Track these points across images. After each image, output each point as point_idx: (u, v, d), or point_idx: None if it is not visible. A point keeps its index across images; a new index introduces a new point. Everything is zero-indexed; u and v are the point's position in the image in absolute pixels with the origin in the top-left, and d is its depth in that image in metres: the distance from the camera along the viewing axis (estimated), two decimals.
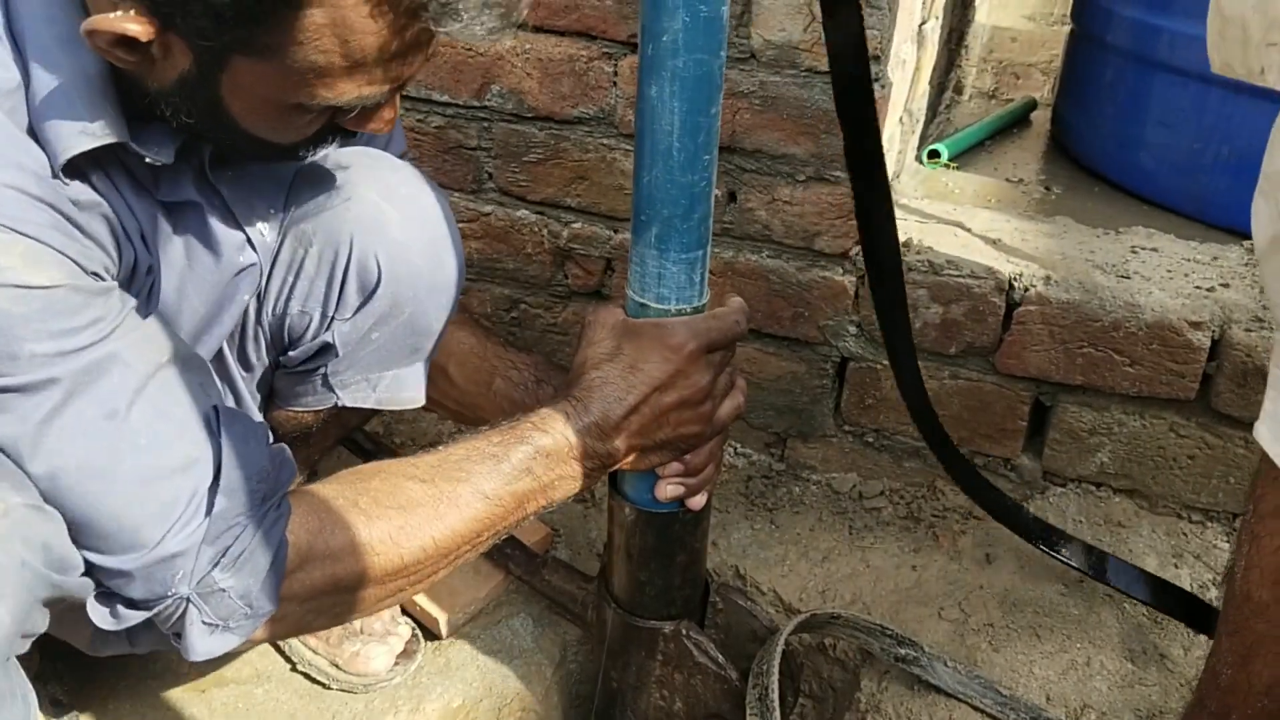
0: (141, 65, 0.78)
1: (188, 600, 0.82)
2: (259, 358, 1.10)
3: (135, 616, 0.82)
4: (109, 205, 0.85)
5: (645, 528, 1.06)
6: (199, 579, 0.81)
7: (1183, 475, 1.44)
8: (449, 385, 1.17)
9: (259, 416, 0.97)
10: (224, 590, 0.82)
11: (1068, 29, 1.93)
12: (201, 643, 0.84)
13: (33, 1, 0.78)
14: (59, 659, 1.23)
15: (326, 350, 1.08)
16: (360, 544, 0.86)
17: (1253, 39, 0.70)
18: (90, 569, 0.80)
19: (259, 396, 1.14)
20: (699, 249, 0.94)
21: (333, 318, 1.06)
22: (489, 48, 1.48)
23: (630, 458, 0.97)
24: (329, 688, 1.25)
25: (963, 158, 1.83)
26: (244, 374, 1.11)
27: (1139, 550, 1.42)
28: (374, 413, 1.12)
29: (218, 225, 0.96)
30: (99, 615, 0.82)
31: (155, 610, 0.82)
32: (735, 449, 1.62)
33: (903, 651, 1.23)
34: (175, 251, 0.95)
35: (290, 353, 1.09)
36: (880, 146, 1.06)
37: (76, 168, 0.81)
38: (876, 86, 1.34)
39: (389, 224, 1.04)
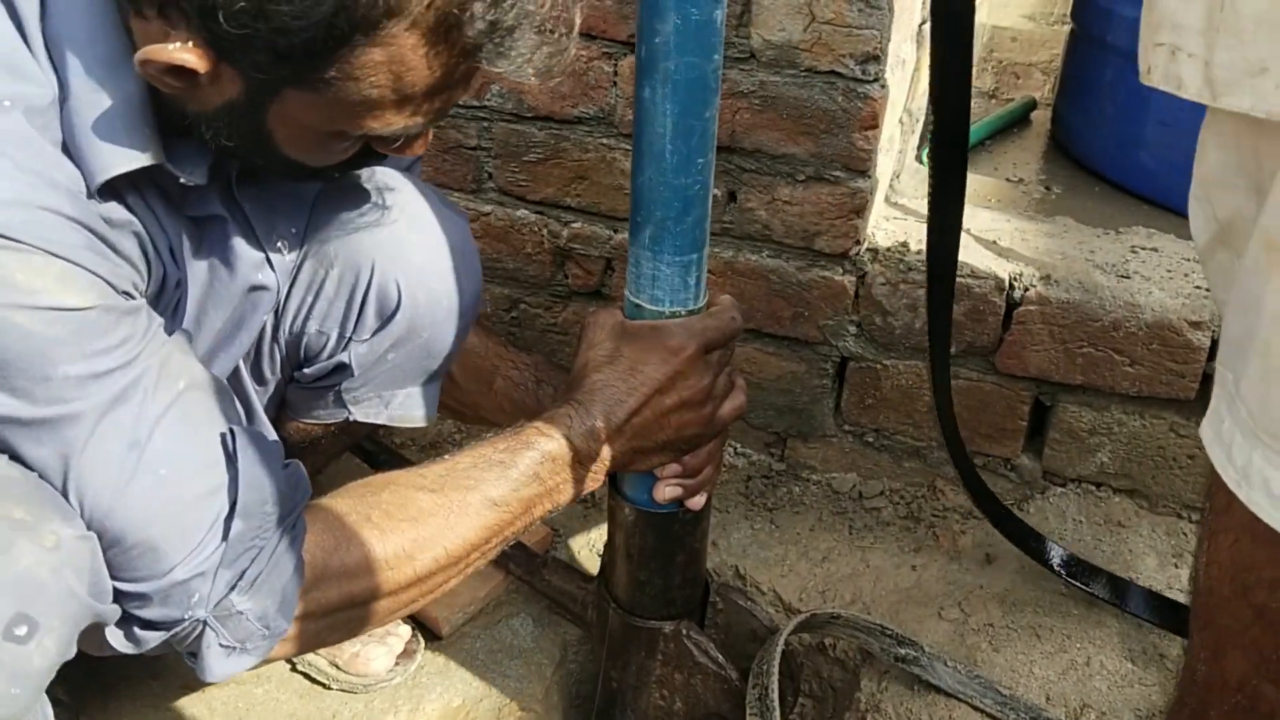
0: (187, 91, 0.78)
1: (204, 624, 0.82)
2: (273, 373, 1.11)
3: (153, 639, 0.83)
4: (140, 223, 0.86)
5: (645, 528, 1.06)
6: (216, 602, 0.82)
7: (1183, 475, 1.44)
8: (450, 384, 1.18)
9: (270, 430, 0.98)
10: (241, 613, 0.82)
11: (1068, 29, 1.93)
12: (219, 665, 0.84)
13: (74, 21, 0.78)
14: None
15: (342, 369, 1.08)
16: (375, 560, 0.87)
17: (1141, 38, 0.71)
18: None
19: (272, 409, 1.15)
20: (693, 252, 0.94)
21: (350, 338, 1.06)
22: None
23: (632, 460, 0.98)
24: (329, 688, 1.25)
25: None
26: (257, 388, 1.11)
27: (1139, 550, 1.42)
28: (381, 425, 1.13)
29: (239, 242, 0.96)
30: (116, 638, 0.83)
31: (173, 633, 0.82)
32: (735, 449, 1.62)
33: (903, 651, 1.23)
34: (199, 266, 0.96)
35: (305, 370, 1.10)
36: (967, 133, 1.04)
37: (112, 187, 0.81)
38: (876, 87, 1.34)
39: (411, 249, 1.05)
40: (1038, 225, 1.54)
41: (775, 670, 1.08)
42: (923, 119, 1.82)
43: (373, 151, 0.90)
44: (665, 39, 0.84)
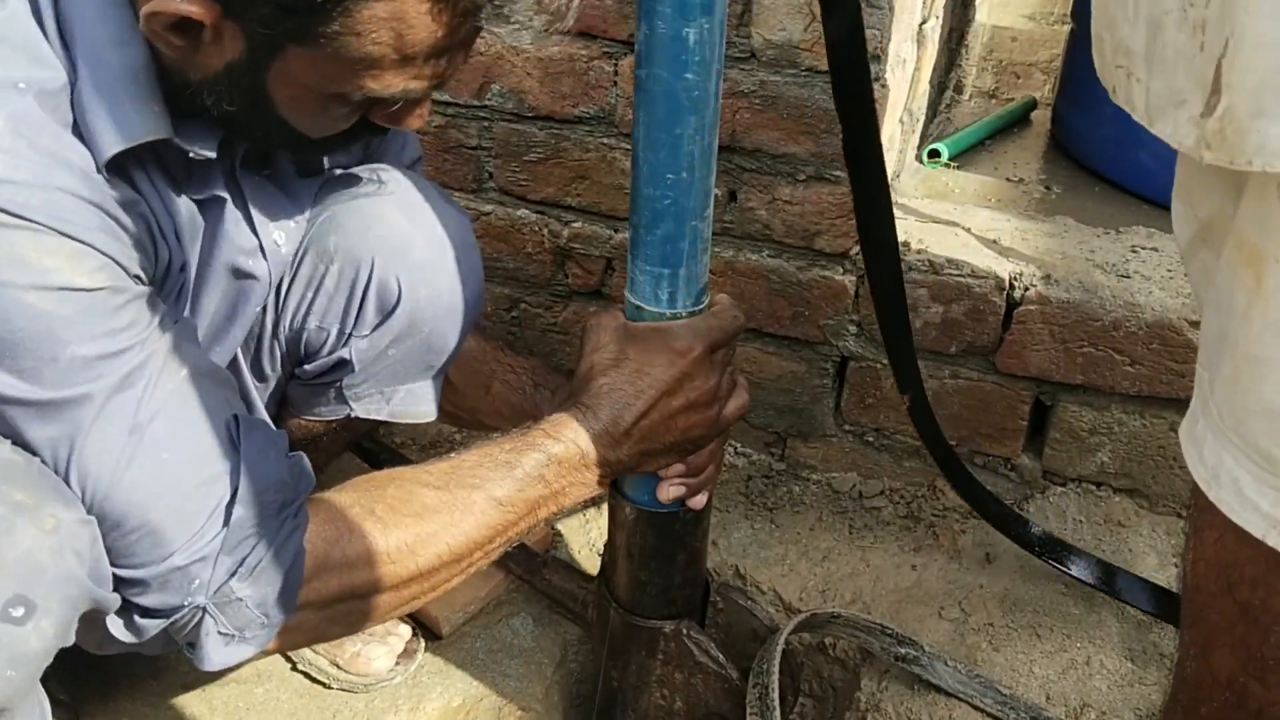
0: (189, 51, 0.79)
1: (204, 610, 0.82)
2: (273, 369, 1.11)
3: (153, 627, 0.83)
4: (147, 204, 0.86)
5: (646, 527, 1.06)
6: (216, 589, 0.82)
7: (1183, 475, 1.44)
8: (447, 388, 1.18)
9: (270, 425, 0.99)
10: (241, 600, 0.82)
11: (1068, 28, 1.93)
12: (217, 653, 0.84)
13: (86, 2, 0.79)
14: (59, 657, 1.23)
15: (342, 365, 1.08)
16: (377, 553, 0.87)
17: (1105, 56, 0.72)
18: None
19: (273, 405, 1.15)
20: (663, 267, 0.92)
21: (350, 334, 1.06)
22: (489, 47, 1.48)
23: (640, 463, 0.98)
24: (329, 687, 1.25)
25: (963, 157, 1.83)
26: (258, 384, 1.11)
27: (1139, 550, 1.42)
28: (383, 422, 1.13)
29: (234, 225, 0.97)
30: (117, 627, 0.83)
31: (172, 620, 0.82)
32: (735, 449, 1.62)
33: (903, 651, 1.23)
34: (195, 249, 0.96)
35: (305, 366, 1.10)
36: (880, 145, 1.06)
37: (119, 165, 0.82)
38: (876, 86, 1.34)
39: (412, 246, 1.05)
40: (1038, 225, 1.54)
41: (775, 670, 1.08)
42: (923, 119, 1.82)
43: (373, 125, 0.90)
44: (640, 46, 0.84)
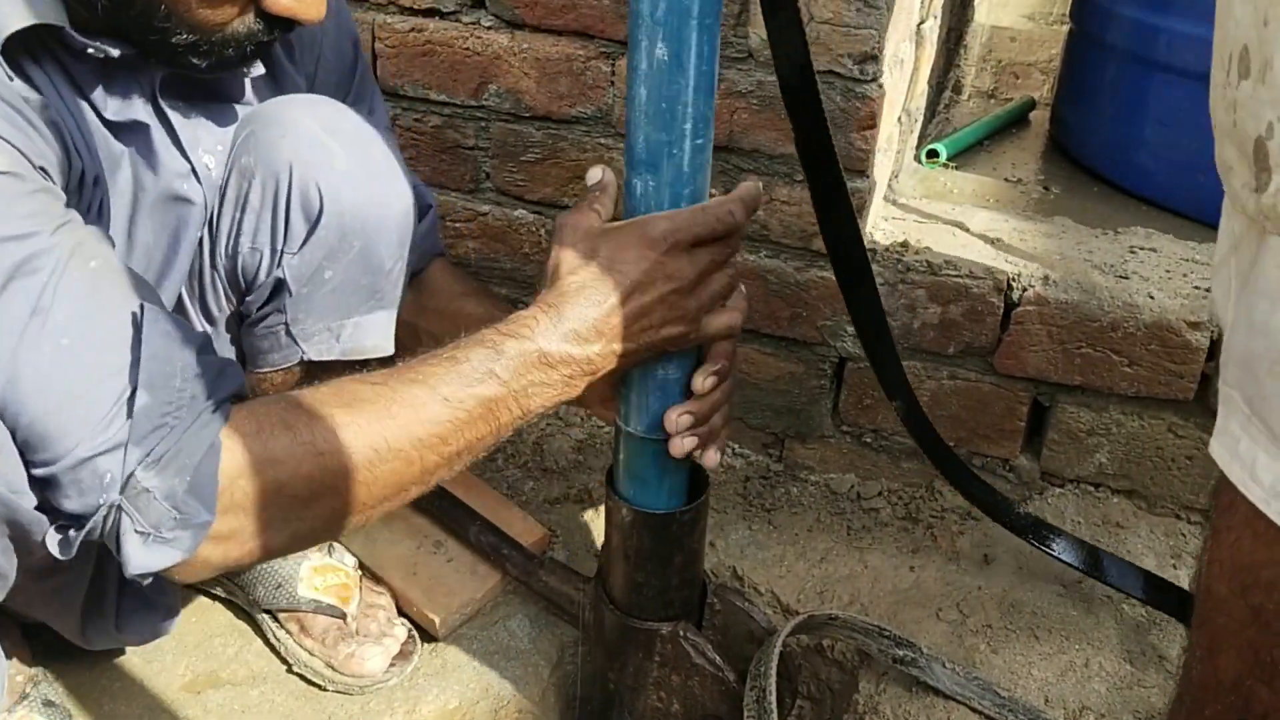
0: None
1: (119, 508, 0.79)
2: (219, 307, 1.10)
3: (78, 535, 0.80)
4: (55, 110, 0.86)
5: (642, 528, 1.06)
6: (124, 481, 0.78)
7: (1181, 476, 1.44)
8: (427, 339, 1.15)
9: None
10: (149, 490, 0.78)
11: (1067, 28, 1.93)
12: (137, 554, 0.79)
13: None
14: (54, 660, 1.23)
15: (281, 290, 1.07)
16: (303, 444, 0.82)
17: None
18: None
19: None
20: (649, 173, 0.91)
21: (282, 251, 1.05)
22: (486, 47, 1.47)
23: (613, 363, 0.92)
24: (325, 689, 1.25)
25: (961, 157, 1.83)
26: (209, 328, 1.11)
27: (1137, 551, 1.41)
28: (338, 364, 1.11)
29: (163, 151, 0.97)
30: (53, 543, 0.80)
31: (92, 523, 0.79)
32: (733, 449, 1.62)
33: (901, 653, 1.23)
34: (123, 176, 0.96)
35: (248, 298, 1.09)
36: (830, 144, 1.03)
37: (20, 66, 0.83)
38: (874, 86, 1.34)
39: (331, 155, 1.04)
40: (1036, 225, 1.54)
41: (773, 672, 1.08)
42: (921, 119, 1.82)
43: (269, 17, 0.92)
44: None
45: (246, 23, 0.92)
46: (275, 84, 1.11)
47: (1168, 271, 1.43)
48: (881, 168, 1.48)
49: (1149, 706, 1.21)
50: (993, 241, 1.47)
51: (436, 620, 1.31)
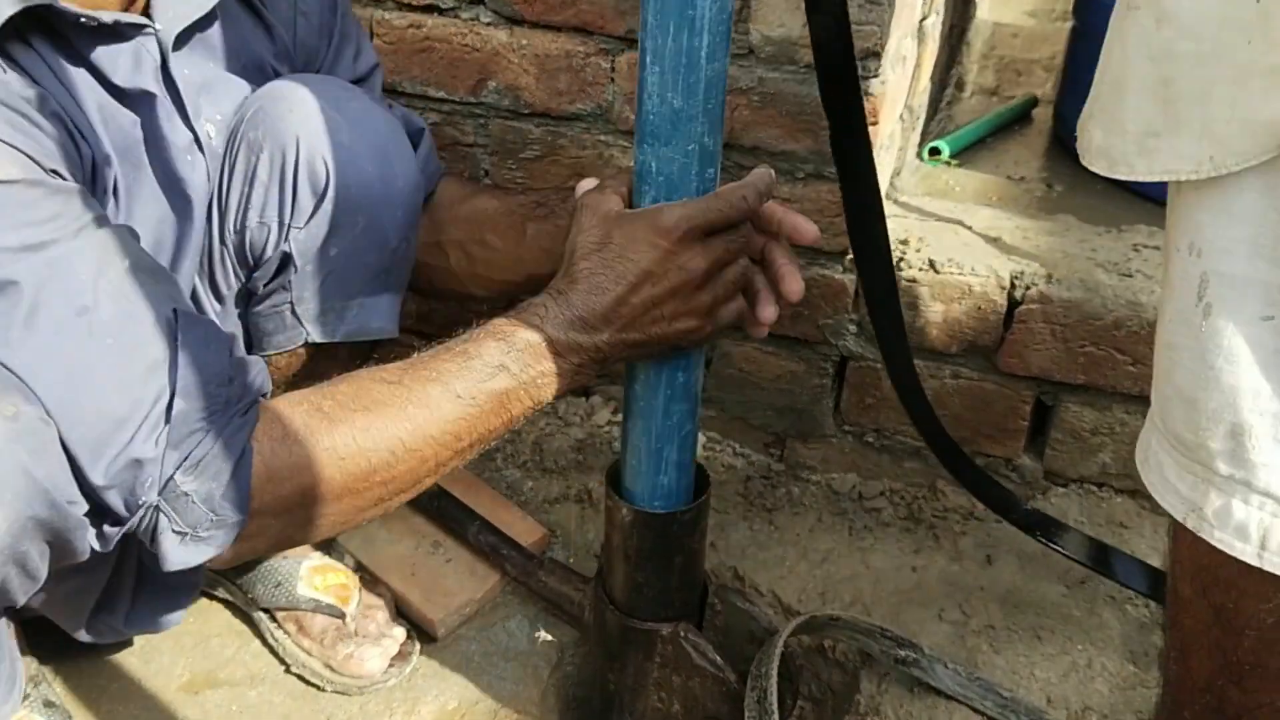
0: None
1: (158, 509, 0.81)
2: (228, 285, 1.10)
3: (115, 533, 0.82)
4: (56, 100, 0.86)
5: (643, 529, 1.05)
6: (164, 483, 0.80)
7: None
8: (492, 254, 1.16)
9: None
10: (187, 494, 0.81)
11: (1069, 25, 1.92)
12: (174, 552, 0.83)
13: None
14: (53, 660, 1.23)
15: (287, 266, 1.07)
16: (325, 450, 0.85)
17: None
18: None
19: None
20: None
21: (289, 225, 1.05)
22: (485, 43, 1.47)
23: (623, 352, 0.92)
24: (323, 690, 1.25)
25: (964, 155, 1.82)
26: (218, 307, 1.11)
27: (1141, 551, 1.41)
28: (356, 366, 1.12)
29: (169, 122, 0.97)
30: (92, 540, 0.82)
31: (131, 523, 0.81)
32: (734, 449, 1.61)
33: (902, 653, 1.22)
34: (133, 151, 0.96)
35: (255, 274, 1.09)
36: (869, 140, 1.03)
37: (14, 58, 0.82)
38: (876, 82, 1.33)
39: (337, 130, 1.05)
40: (1039, 223, 1.53)
41: (774, 672, 1.08)
42: (924, 116, 1.81)
43: None
44: None
45: None
46: (262, 25, 1.11)
47: None
48: (883, 165, 1.47)
49: (1152, 707, 1.20)
50: (995, 239, 1.47)
51: (435, 621, 1.31)
